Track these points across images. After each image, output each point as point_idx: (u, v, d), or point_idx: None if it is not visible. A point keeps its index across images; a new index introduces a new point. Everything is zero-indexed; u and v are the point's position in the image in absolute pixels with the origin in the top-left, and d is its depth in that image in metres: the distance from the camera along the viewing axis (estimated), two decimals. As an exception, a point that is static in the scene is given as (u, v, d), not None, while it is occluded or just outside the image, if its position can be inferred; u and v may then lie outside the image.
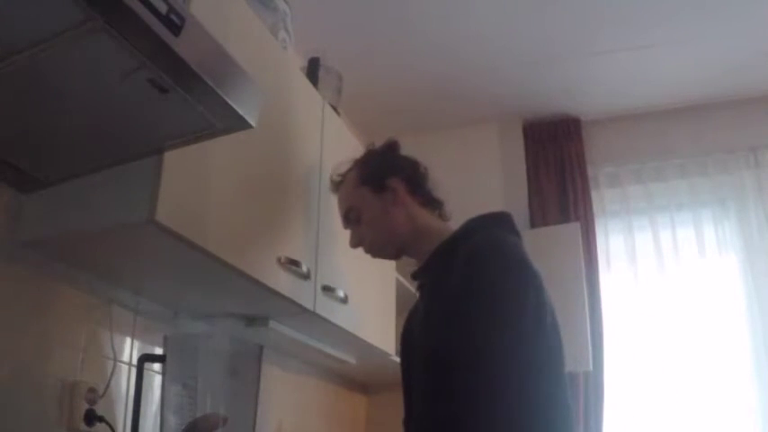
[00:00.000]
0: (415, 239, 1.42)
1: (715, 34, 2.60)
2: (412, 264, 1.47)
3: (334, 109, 1.99)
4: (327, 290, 1.72)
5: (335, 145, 1.90)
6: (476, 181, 3.04)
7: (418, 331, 1.34)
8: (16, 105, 0.99)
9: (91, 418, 1.33)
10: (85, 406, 1.33)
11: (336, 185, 1.57)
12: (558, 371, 1.19)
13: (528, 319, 1.16)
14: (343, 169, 1.55)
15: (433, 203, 1.48)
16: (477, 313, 1.14)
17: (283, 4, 1.78)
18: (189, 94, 0.97)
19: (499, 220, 1.37)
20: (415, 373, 1.31)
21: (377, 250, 1.49)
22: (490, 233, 1.29)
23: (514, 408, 1.09)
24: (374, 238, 1.46)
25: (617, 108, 3.12)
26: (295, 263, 1.55)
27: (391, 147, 1.54)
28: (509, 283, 1.18)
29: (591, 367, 2.61)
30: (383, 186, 1.44)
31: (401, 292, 2.45)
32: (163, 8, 0.83)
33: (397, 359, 2.33)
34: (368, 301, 2.05)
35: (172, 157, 1.15)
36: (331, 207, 1.81)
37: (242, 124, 1.07)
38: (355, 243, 1.50)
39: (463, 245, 1.27)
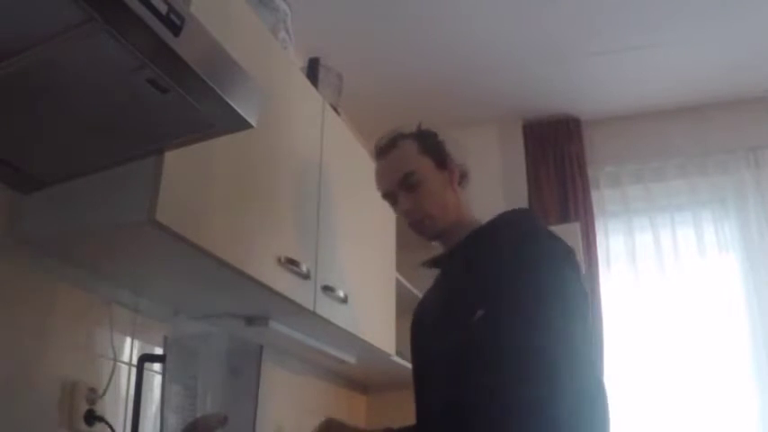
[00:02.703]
0: (456, 226, 1.41)
1: (715, 34, 2.60)
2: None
3: (335, 109, 1.99)
4: (327, 290, 1.72)
5: (335, 145, 1.90)
6: (476, 181, 3.03)
7: (439, 316, 1.34)
8: (16, 105, 0.99)
9: (91, 418, 1.33)
10: (85, 406, 1.32)
11: (386, 149, 1.47)
12: (600, 358, 1.23)
13: (583, 307, 1.22)
14: (393, 135, 1.48)
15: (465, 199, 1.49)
16: (529, 301, 1.16)
17: (283, 4, 1.78)
18: (189, 94, 0.97)
19: (535, 214, 1.41)
20: (439, 359, 1.30)
21: (428, 224, 1.41)
22: (535, 222, 1.34)
23: (574, 392, 1.12)
24: (430, 210, 1.40)
25: (617, 108, 3.12)
26: (295, 263, 1.55)
27: (438, 133, 1.51)
28: (560, 272, 1.22)
29: (591, 367, 2.61)
30: (445, 164, 1.44)
31: (401, 292, 2.45)
32: (163, 8, 0.83)
33: (398, 359, 2.34)
34: (368, 301, 2.05)
35: (172, 157, 1.15)
36: (331, 207, 1.81)
37: (242, 124, 1.07)
38: (407, 210, 1.41)
39: (507, 229, 1.30)
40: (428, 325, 1.38)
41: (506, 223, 1.36)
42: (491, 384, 1.11)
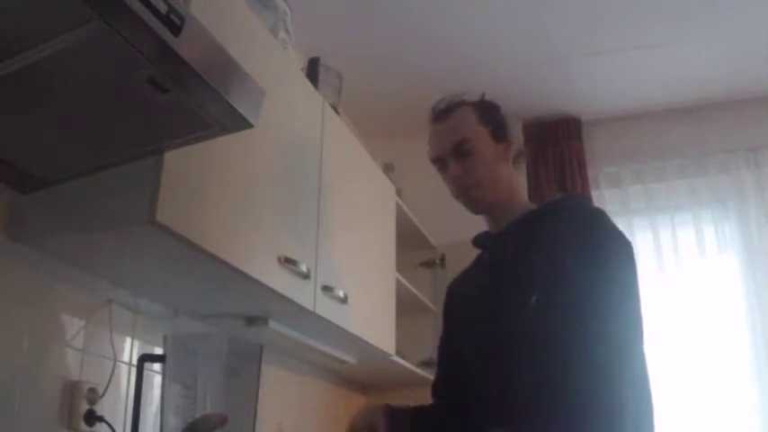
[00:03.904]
0: (507, 201, 1.39)
1: (715, 34, 2.60)
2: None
3: (334, 109, 1.99)
4: (327, 290, 1.72)
5: (335, 145, 1.90)
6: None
7: (484, 302, 1.33)
8: (17, 105, 0.99)
9: (91, 418, 1.33)
10: (85, 406, 1.33)
11: (444, 113, 1.43)
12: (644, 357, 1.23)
13: (637, 299, 1.20)
14: (454, 101, 1.44)
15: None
16: (594, 289, 1.15)
17: (283, 4, 1.78)
18: (189, 94, 0.97)
19: (590, 202, 1.38)
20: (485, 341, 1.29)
21: (476, 194, 1.38)
22: (597, 211, 1.31)
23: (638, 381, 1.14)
24: (480, 179, 1.36)
25: (617, 108, 3.12)
26: (295, 263, 1.55)
27: (499, 107, 1.49)
28: (622, 263, 1.21)
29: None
30: (501, 137, 1.41)
31: (401, 292, 2.45)
32: (163, 8, 0.83)
33: (397, 359, 2.34)
34: (368, 301, 2.05)
35: (172, 157, 1.15)
36: (331, 207, 1.81)
37: (242, 124, 1.07)
38: (457, 175, 1.37)
39: (565, 214, 1.28)
40: (476, 308, 1.35)
41: (568, 208, 1.33)
42: (542, 377, 1.11)
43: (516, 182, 1.43)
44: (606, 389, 1.08)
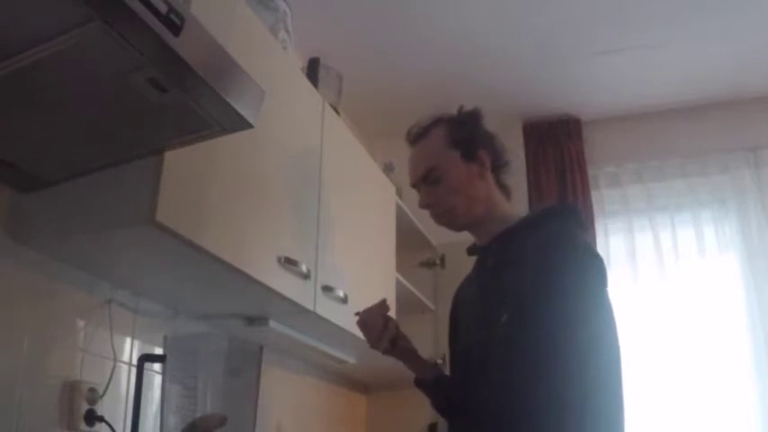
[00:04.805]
0: (487, 217, 1.38)
1: (715, 34, 2.60)
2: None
3: (335, 109, 1.99)
4: (327, 290, 1.72)
5: (335, 145, 1.90)
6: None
7: (473, 312, 1.35)
8: (17, 105, 0.99)
9: (91, 418, 1.33)
10: (85, 406, 1.33)
11: (416, 138, 1.45)
12: (620, 370, 1.22)
13: (601, 318, 1.20)
14: (426, 123, 1.46)
15: (504, 187, 1.46)
16: (551, 310, 1.16)
17: (283, 4, 1.78)
18: (189, 94, 0.97)
19: (570, 213, 1.37)
20: (466, 351, 1.34)
21: (449, 217, 1.40)
22: (562, 226, 1.31)
23: (589, 403, 1.13)
24: (452, 204, 1.38)
25: (617, 108, 3.12)
26: (295, 263, 1.55)
27: (479, 116, 1.48)
28: (583, 281, 1.21)
29: (591, 367, 2.61)
30: (474, 156, 1.40)
31: (401, 292, 2.45)
32: (163, 8, 0.83)
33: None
34: (368, 301, 2.04)
35: (172, 157, 1.15)
36: (331, 207, 1.81)
37: (242, 124, 1.07)
38: (427, 204, 1.41)
39: (534, 232, 1.28)
40: (465, 316, 1.39)
41: (536, 226, 1.32)
42: (500, 387, 1.17)
43: (495, 193, 1.41)
44: (549, 396, 1.11)
